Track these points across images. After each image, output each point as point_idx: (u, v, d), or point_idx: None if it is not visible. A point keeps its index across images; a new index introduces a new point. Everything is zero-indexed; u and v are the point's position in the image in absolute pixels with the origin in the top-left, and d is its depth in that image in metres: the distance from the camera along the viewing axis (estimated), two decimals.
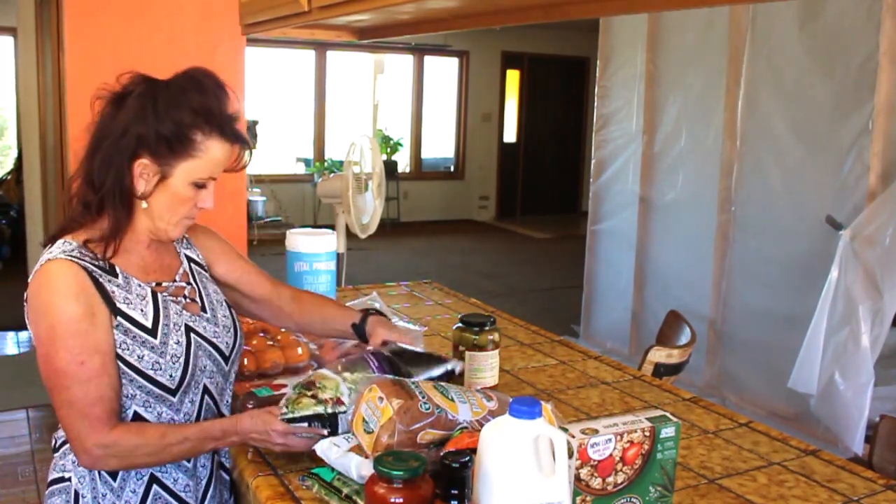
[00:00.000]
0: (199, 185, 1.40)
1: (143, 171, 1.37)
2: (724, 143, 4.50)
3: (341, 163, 4.71)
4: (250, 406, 1.49)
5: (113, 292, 1.37)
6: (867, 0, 3.73)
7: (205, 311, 1.50)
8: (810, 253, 4.02)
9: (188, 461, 1.46)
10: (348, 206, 2.69)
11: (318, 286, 2.05)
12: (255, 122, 7.67)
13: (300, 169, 10.50)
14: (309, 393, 1.40)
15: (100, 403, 1.33)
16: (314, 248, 2.04)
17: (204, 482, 1.50)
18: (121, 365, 1.37)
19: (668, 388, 1.94)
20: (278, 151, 10.22)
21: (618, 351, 5.25)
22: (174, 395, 1.41)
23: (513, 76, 11.74)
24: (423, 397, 1.31)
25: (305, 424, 1.35)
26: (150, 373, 1.38)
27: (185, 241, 1.58)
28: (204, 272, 1.57)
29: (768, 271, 4.30)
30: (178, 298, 1.48)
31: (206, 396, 1.48)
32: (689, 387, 3.94)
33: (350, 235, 2.81)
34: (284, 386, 1.55)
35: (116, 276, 1.39)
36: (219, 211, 2.75)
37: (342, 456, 1.30)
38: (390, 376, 1.46)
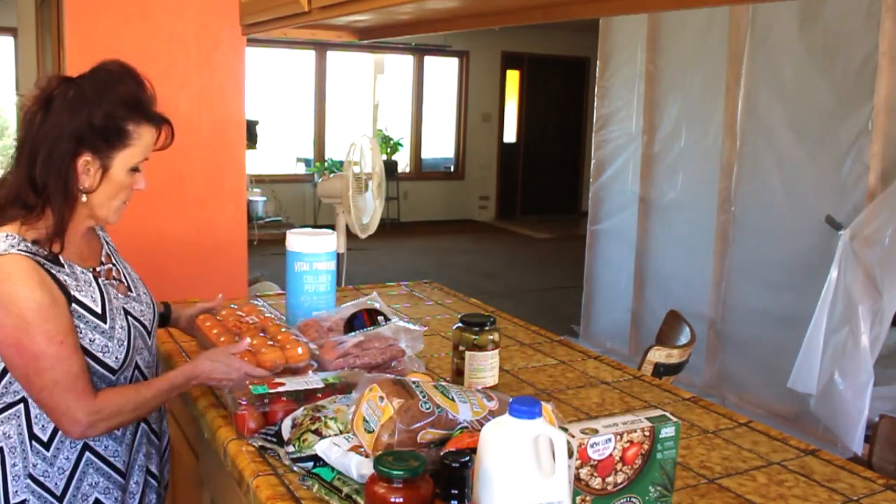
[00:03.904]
0: (135, 170, 1.51)
1: (87, 166, 1.45)
2: (724, 143, 4.50)
3: (341, 163, 4.72)
4: (243, 402, 1.49)
5: (65, 281, 1.45)
6: (867, 0, 3.73)
7: (131, 291, 1.62)
8: (810, 253, 4.02)
9: (118, 430, 1.56)
10: (348, 206, 2.69)
11: (319, 286, 2.04)
12: (255, 122, 7.66)
13: (300, 169, 10.50)
14: (313, 427, 1.40)
15: (82, 376, 1.44)
16: (314, 248, 2.04)
17: (132, 448, 1.61)
18: None
19: (667, 387, 1.94)
20: (278, 151, 10.22)
21: (618, 351, 5.26)
22: (114, 375, 1.52)
23: (513, 76, 11.74)
24: (424, 397, 1.32)
25: (311, 464, 1.37)
26: (99, 354, 1.49)
27: (100, 228, 1.68)
28: (116, 253, 1.68)
29: (768, 271, 4.30)
30: (112, 281, 1.59)
31: (136, 373, 1.60)
32: (689, 387, 3.94)
33: (350, 235, 2.81)
34: (282, 384, 1.55)
35: (62, 266, 1.47)
36: (219, 211, 2.77)
37: (342, 455, 1.30)
38: (391, 376, 1.46)
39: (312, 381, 1.59)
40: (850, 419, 3.56)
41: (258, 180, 8.80)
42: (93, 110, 1.43)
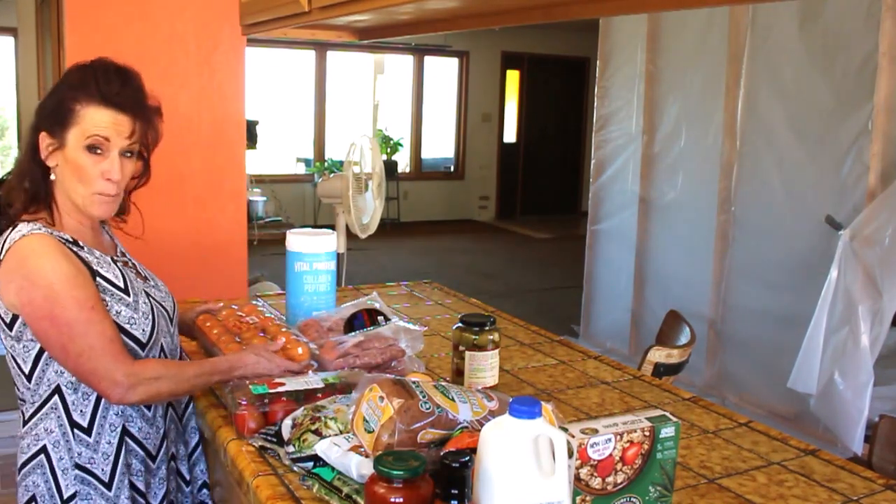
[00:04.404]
0: (93, 150, 1.51)
1: (46, 143, 1.53)
2: (723, 143, 4.50)
3: (341, 163, 4.71)
4: (243, 402, 1.49)
5: (87, 259, 1.53)
6: (867, 0, 3.73)
7: (148, 280, 1.69)
8: (810, 253, 4.02)
9: (149, 410, 1.60)
10: (348, 206, 2.69)
11: (319, 286, 2.05)
12: (255, 122, 7.66)
13: (300, 169, 10.50)
14: (313, 427, 1.40)
15: (116, 339, 1.49)
16: (314, 248, 2.04)
17: (162, 430, 1.64)
18: None
19: (667, 387, 1.94)
20: (278, 151, 10.22)
21: (617, 351, 5.25)
22: (143, 350, 1.56)
23: (513, 76, 11.73)
24: (424, 397, 1.32)
25: (311, 464, 1.37)
26: (126, 326, 1.53)
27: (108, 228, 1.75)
28: (128, 253, 1.74)
29: (768, 271, 4.30)
30: (130, 269, 1.65)
31: (161, 355, 1.63)
32: (689, 387, 3.94)
33: (350, 235, 2.81)
34: (283, 384, 1.55)
35: (82, 248, 1.54)
36: (219, 211, 2.77)
37: (342, 455, 1.30)
38: (391, 376, 1.46)
39: (312, 381, 1.59)
40: (850, 419, 3.56)
41: (258, 180, 8.80)
42: (49, 96, 1.56)
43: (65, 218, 1.55)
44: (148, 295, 1.62)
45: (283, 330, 1.82)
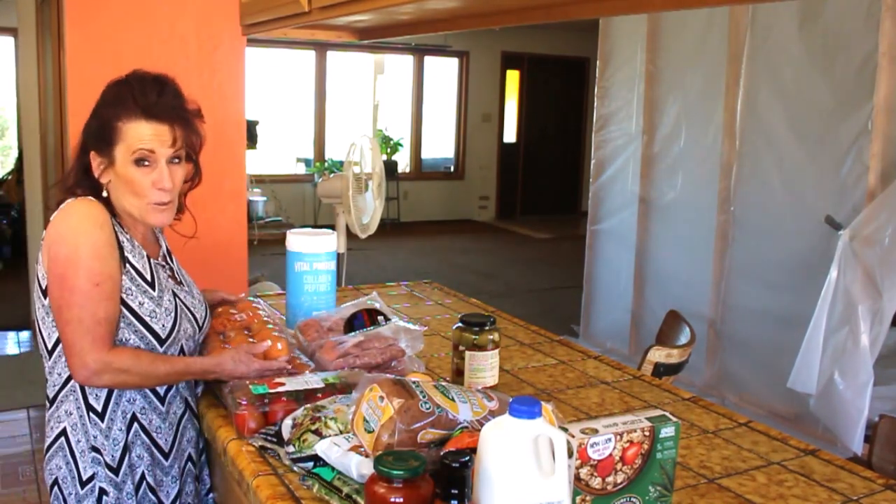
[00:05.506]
0: (141, 164, 1.56)
1: (97, 162, 1.59)
2: (723, 143, 4.50)
3: (341, 163, 4.72)
4: (243, 403, 1.49)
5: (123, 242, 1.58)
6: (867, 0, 3.73)
7: (182, 285, 1.72)
8: (810, 253, 4.02)
9: (162, 405, 1.64)
10: (348, 206, 2.70)
11: (319, 286, 2.05)
12: (255, 122, 7.67)
13: (300, 169, 10.50)
14: (314, 427, 1.40)
15: (105, 323, 1.51)
16: (314, 248, 2.04)
17: (177, 429, 1.67)
18: (122, 309, 1.55)
19: (667, 387, 1.95)
20: (278, 151, 10.22)
21: (617, 351, 5.25)
22: (161, 346, 1.59)
23: (513, 76, 11.74)
24: (424, 397, 1.32)
25: (311, 464, 1.37)
26: (147, 319, 1.57)
27: (159, 231, 1.79)
28: (172, 257, 1.78)
29: (768, 271, 4.30)
30: (165, 269, 1.70)
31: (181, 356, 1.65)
32: (689, 387, 3.94)
33: (350, 235, 2.81)
34: (283, 384, 1.55)
35: (125, 231, 1.60)
36: (219, 211, 2.77)
37: (342, 455, 1.30)
38: (391, 376, 1.46)
39: (312, 381, 1.59)
40: (849, 419, 3.56)
41: (258, 180, 8.79)
42: (92, 116, 1.60)
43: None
44: (176, 295, 1.65)
45: (269, 326, 1.80)
